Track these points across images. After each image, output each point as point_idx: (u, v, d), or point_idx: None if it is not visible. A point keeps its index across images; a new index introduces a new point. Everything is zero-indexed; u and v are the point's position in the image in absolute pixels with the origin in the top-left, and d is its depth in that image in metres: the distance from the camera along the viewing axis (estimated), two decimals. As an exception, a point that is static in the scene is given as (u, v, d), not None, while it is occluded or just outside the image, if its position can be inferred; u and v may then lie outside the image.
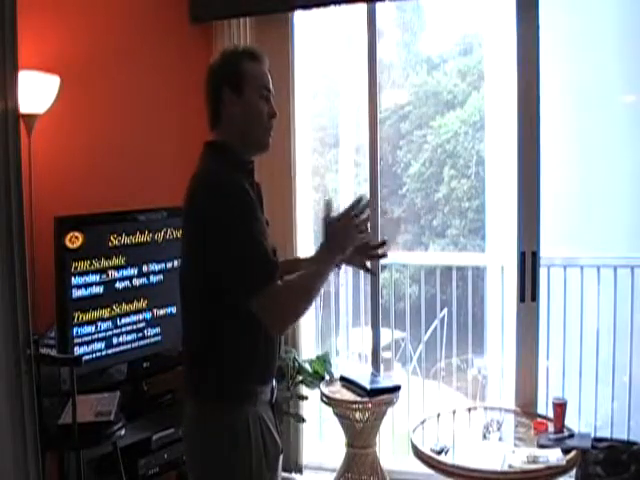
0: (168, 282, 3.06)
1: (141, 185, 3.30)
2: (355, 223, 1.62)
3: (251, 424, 1.64)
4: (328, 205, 1.63)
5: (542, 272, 3.26)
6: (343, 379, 3.31)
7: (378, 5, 3.38)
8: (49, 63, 2.82)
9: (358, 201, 1.63)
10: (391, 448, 3.78)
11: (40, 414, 2.06)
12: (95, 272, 2.81)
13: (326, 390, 3.23)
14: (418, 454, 2.76)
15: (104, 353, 2.87)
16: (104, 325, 2.86)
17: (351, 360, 4.51)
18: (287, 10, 3.38)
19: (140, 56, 3.36)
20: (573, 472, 2.73)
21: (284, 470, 3.35)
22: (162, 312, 3.08)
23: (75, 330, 2.74)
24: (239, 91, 1.68)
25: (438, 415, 3.08)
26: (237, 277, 1.57)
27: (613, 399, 3.44)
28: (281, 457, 1.75)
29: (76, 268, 2.73)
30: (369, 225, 1.71)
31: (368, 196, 1.62)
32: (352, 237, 1.64)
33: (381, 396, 3.12)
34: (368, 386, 3.14)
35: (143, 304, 3.01)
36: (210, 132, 1.75)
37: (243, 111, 1.69)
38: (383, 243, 1.97)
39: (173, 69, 3.50)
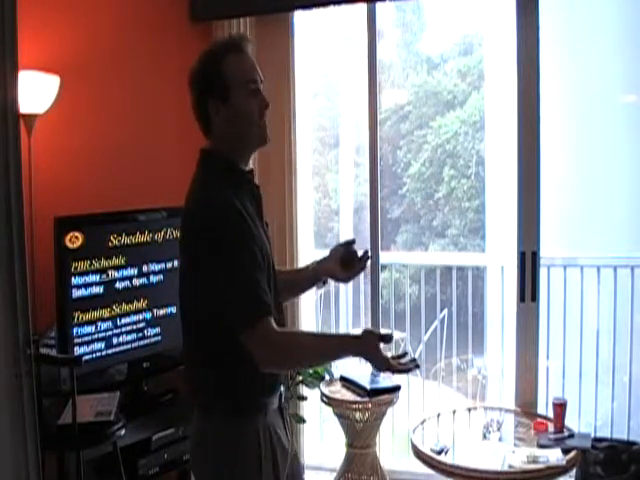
0: (168, 282, 3.05)
1: (141, 185, 3.30)
2: (395, 367, 1.58)
3: (261, 437, 1.60)
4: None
5: (542, 272, 3.26)
6: (343, 379, 3.30)
7: (378, 5, 3.37)
8: (49, 63, 2.82)
9: (404, 355, 1.62)
10: (391, 448, 3.78)
11: (40, 414, 2.05)
12: (95, 272, 2.80)
13: (326, 390, 3.23)
14: (418, 454, 2.76)
15: (104, 353, 2.86)
16: (104, 325, 2.85)
17: (351, 360, 4.50)
18: (287, 10, 3.38)
19: (140, 56, 3.36)
20: (573, 472, 2.74)
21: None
22: (162, 312, 3.08)
23: (75, 330, 2.74)
24: (224, 97, 1.58)
25: (438, 415, 3.08)
26: (227, 312, 1.52)
27: (613, 399, 3.44)
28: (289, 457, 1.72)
29: (76, 268, 2.73)
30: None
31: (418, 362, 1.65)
32: (377, 363, 1.59)
33: (381, 396, 3.11)
34: (368, 386, 3.13)
35: (143, 304, 3.01)
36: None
37: (232, 117, 1.60)
38: (365, 255, 1.94)
39: (173, 69, 3.48)
